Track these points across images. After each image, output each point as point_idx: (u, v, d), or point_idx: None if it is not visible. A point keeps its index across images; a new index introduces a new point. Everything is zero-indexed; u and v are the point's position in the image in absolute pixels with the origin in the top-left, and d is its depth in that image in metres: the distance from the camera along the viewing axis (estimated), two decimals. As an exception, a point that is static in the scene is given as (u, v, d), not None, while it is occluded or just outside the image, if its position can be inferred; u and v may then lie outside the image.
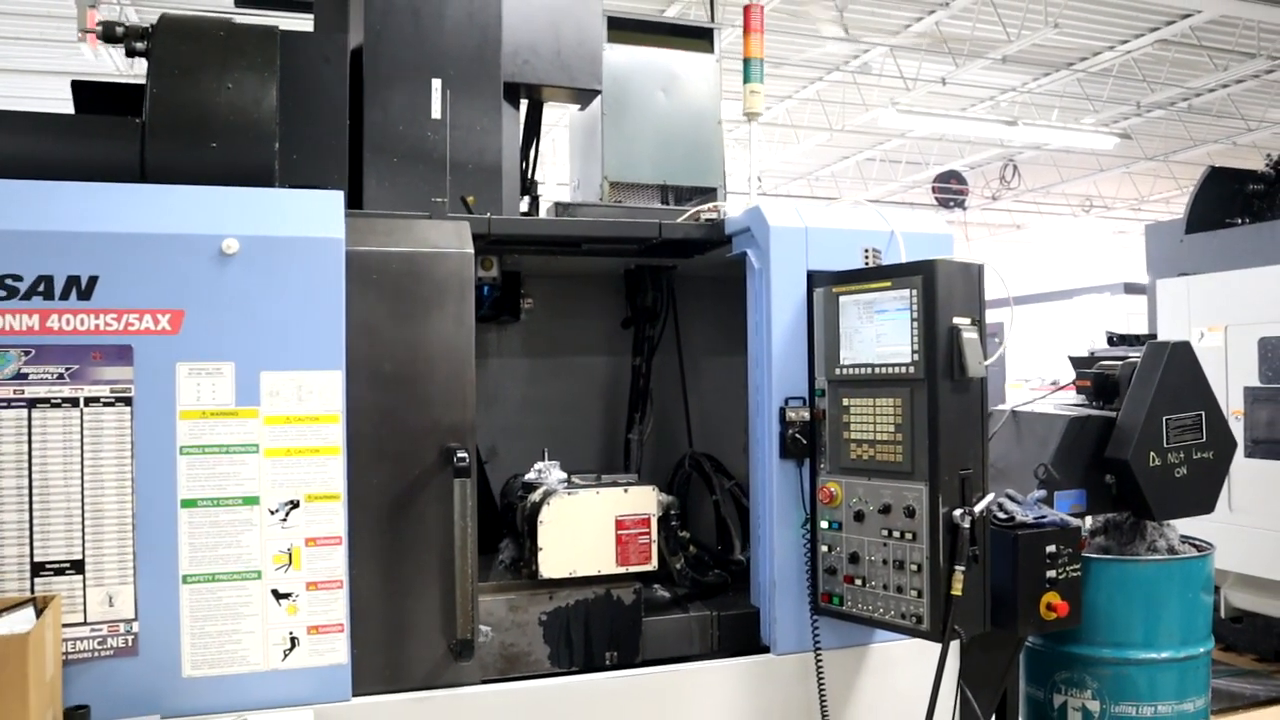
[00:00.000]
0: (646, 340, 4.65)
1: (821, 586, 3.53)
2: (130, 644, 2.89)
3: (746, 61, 4.19)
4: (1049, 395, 4.88)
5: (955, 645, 3.34)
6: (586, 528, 3.48)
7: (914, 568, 3.23)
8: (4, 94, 14.53)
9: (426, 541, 3.20)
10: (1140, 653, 4.20)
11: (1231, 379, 7.45)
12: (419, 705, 3.17)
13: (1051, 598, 3.54)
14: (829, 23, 12.60)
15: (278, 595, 3.02)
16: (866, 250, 3.62)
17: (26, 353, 2.80)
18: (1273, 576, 7.24)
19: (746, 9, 4.19)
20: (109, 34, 3.44)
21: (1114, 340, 6.39)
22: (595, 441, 4.77)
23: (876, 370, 3.36)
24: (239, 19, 3.50)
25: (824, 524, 3.52)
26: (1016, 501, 3.80)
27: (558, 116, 10.28)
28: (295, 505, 3.04)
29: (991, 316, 3.52)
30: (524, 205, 4.28)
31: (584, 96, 4.35)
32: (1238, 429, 7.08)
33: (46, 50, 13.38)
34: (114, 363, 2.87)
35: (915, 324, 3.24)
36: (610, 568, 3.50)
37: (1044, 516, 3.73)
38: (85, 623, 2.85)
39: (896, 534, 3.28)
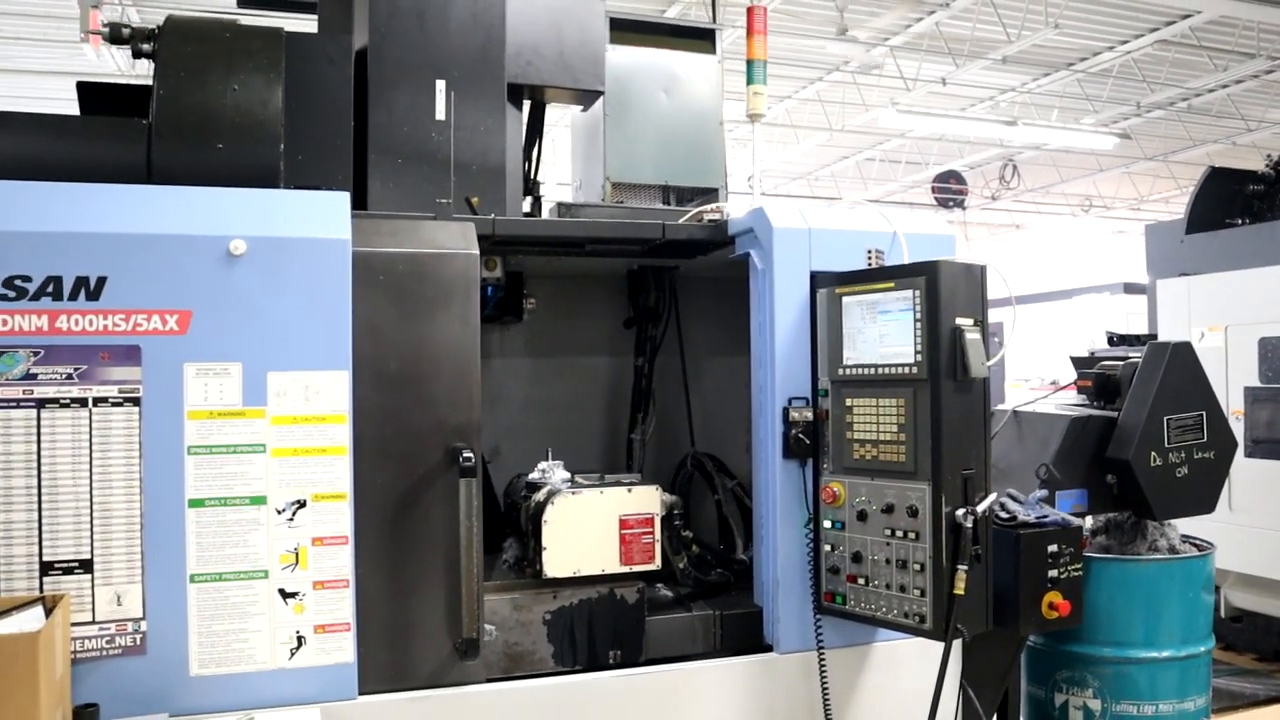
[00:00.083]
0: (649, 340, 4.66)
1: (825, 586, 3.54)
2: (138, 643, 2.90)
3: (750, 63, 4.21)
4: (1050, 395, 4.89)
5: (958, 644, 3.36)
6: (590, 527, 3.49)
7: (917, 567, 3.24)
8: (6, 94, 14.54)
9: (432, 541, 3.22)
10: (1141, 652, 4.22)
11: (1232, 379, 7.47)
12: (424, 704, 3.19)
13: (1053, 597, 3.56)
14: (832, 24, 12.59)
15: (284, 594, 3.03)
16: (869, 251, 3.64)
17: (35, 353, 2.82)
18: (1273, 576, 7.26)
19: (750, 10, 4.21)
20: (115, 35, 3.45)
21: (1114, 340, 6.42)
22: (598, 441, 4.78)
23: (880, 370, 3.38)
24: (244, 20, 3.51)
25: (827, 523, 3.53)
26: (1018, 501, 3.82)
27: (558, 116, 10.27)
28: (302, 505, 3.05)
29: (992, 316, 3.54)
30: (526, 205, 4.29)
31: (586, 97, 4.36)
32: (1238, 429, 7.10)
33: (48, 50, 13.39)
34: (122, 363, 2.88)
35: (918, 324, 3.25)
36: (614, 567, 3.52)
37: (1046, 516, 3.74)
38: (94, 621, 2.86)
39: (899, 533, 3.29)
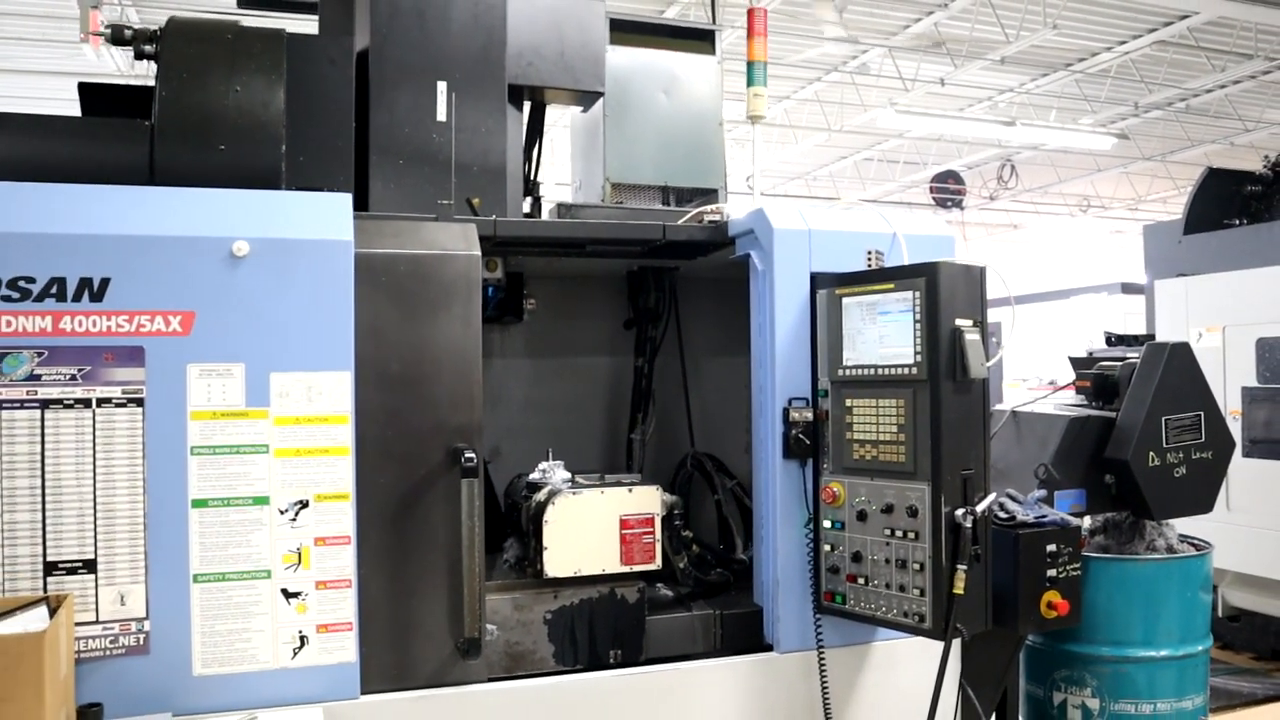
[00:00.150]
0: (649, 341, 4.68)
1: (824, 585, 3.56)
2: (141, 642, 2.91)
3: (750, 65, 4.22)
4: (1049, 395, 4.91)
5: (957, 643, 3.37)
6: (591, 527, 3.51)
7: (916, 567, 3.26)
8: (7, 94, 14.54)
9: (434, 541, 3.23)
10: (1139, 651, 4.23)
11: (1229, 379, 7.50)
12: (426, 703, 3.20)
13: (1052, 596, 3.57)
14: (831, 24, 12.59)
15: (287, 594, 3.04)
16: (869, 252, 3.65)
17: (39, 354, 2.83)
18: (1270, 575, 7.28)
19: (750, 12, 4.22)
20: (117, 37, 3.46)
21: (1112, 340, 6.43)
22: (598, 441, 4.79)
23: (879, 371, 3.39)
24: (245, 22, 3.52)
25: (827, 523, 3.55)
26: (1017, 501, 3.83)
27: (556, 116, 10.29)
28: (305, 505, 3.06)
29: (990, 316, 3.55)
30: (526, 206, 4.30)
31: (587, 98, 4.37)
32: (1235, 429, 7.12)
33: (49, 50, 13.38)
34: (126, 364, 2.89)
35: (918, 325, 3.26)
36: (614, 567, 3.53)
37: (1044, 516, 3.76)
38: (97, 621, 2.87)
39: (899, 533, 3.31)
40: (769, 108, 16.41)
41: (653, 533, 3.57)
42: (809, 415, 3.58)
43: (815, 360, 3.61)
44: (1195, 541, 4.59)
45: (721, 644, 3.68)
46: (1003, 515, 3.69)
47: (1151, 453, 4.26)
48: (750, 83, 4.23)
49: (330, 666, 3.08)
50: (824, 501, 3.55)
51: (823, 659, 3.56)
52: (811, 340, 3.61)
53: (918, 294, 3.27)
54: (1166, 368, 4.34)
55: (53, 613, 2.66)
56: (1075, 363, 5.04)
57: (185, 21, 3.42)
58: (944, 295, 3.23)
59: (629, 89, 4.50)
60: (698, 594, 3.88)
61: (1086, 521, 4.57)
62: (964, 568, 3.17)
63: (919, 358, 3.27)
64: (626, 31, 4.55)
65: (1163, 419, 4.30)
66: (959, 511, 3.20)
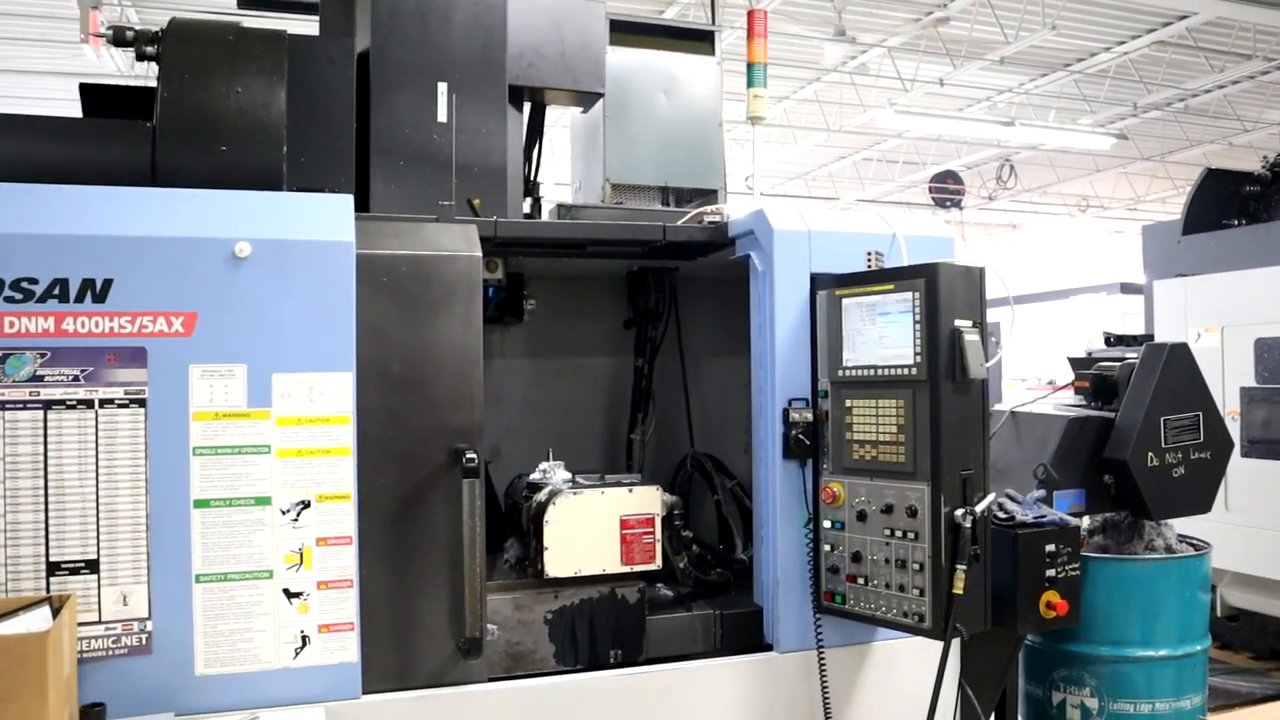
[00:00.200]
0: (649, 341, 4.69)
1: (824, 585, 3.57)
2: (144, 642, 2.92)
3: (750, 66, 4.22)
4: (1048, 395, 4.92)
5: (956, 643, 3.39)
6: (592, 527, 3.52)
7: (916, 567, 3.27)
8: (7, 94, 14.54)
9: (435, 541, 3.24)
10: (1138, 650, 4.25)
11: (1228, 379, 7.51)
12: (427, 703, 3.21)
13: (1051, 596, 3.58)
14: (829, 25, 12.61)
15: (289, 594, 3.05)
16: (869, 253, 3.66)
17: (42, 355, 2.84)
18: (1269, 575, 7.29)
19: (750, 14, 4.23)
20: (119, 38, 3.47)
21: (1111, 341, 6.44)
22: (598, 442, 4.80)
23: (879, 372, 3.40)
24: (246, 23, 3.52)
25: (827, 523, 3.56)
26: (1016, 501, 3.84)
27: (555, 116, 10.30)
28: (306, 505, 3.07)
29: (990, 316, 3.56)
30: (526, 206, 4.31)
31: (587, 99, 4.38)
32: (1234, 429, 7.13)
33: (49, 51, 13.39)
34: (128, 365, 2.90)
35: (918, 326, 3.27)
36: (615, 567, 3.54)
37: (1043, 516, 3.77)
38: (100, 621, 2.88)
39: (899, 533, 3.32)
40: (768, 108, 16.51)
41: (653, 533, 3.58)
42: (809, 416, 3.59)
43: (815, 361, 3.62)
44: (1194, 541, 4.60)
45: (721, 644, 3.69)
46: (1002, 515, 3.70)
47: (1150, 453, 4.28)
48: (750, 84, 4.24)
49: (332, 666, 3.09)
50: (824, 502, 3.56)
51: (823, 659, 3.57)
52: (811, 341, 3.62)
53: (917, 295, 3.28)
54: (1165, 368, 4.35)
55: (56, 613, 2.67)
56: (1074, 363, 5.06)
57: (187, 23, 3.43)
58: (943, 296, 3.24)
59: (629, 90, 4.51)
60: (698, 594, 3.89)
61: (1085, 521, 4.58)
62: (963, 568, 3.18)
63: (918, 358, 3.28)
64: (626, 32, 4.56)
65: (1161, 419, 4.31)
66: (958, 512, 3.21)
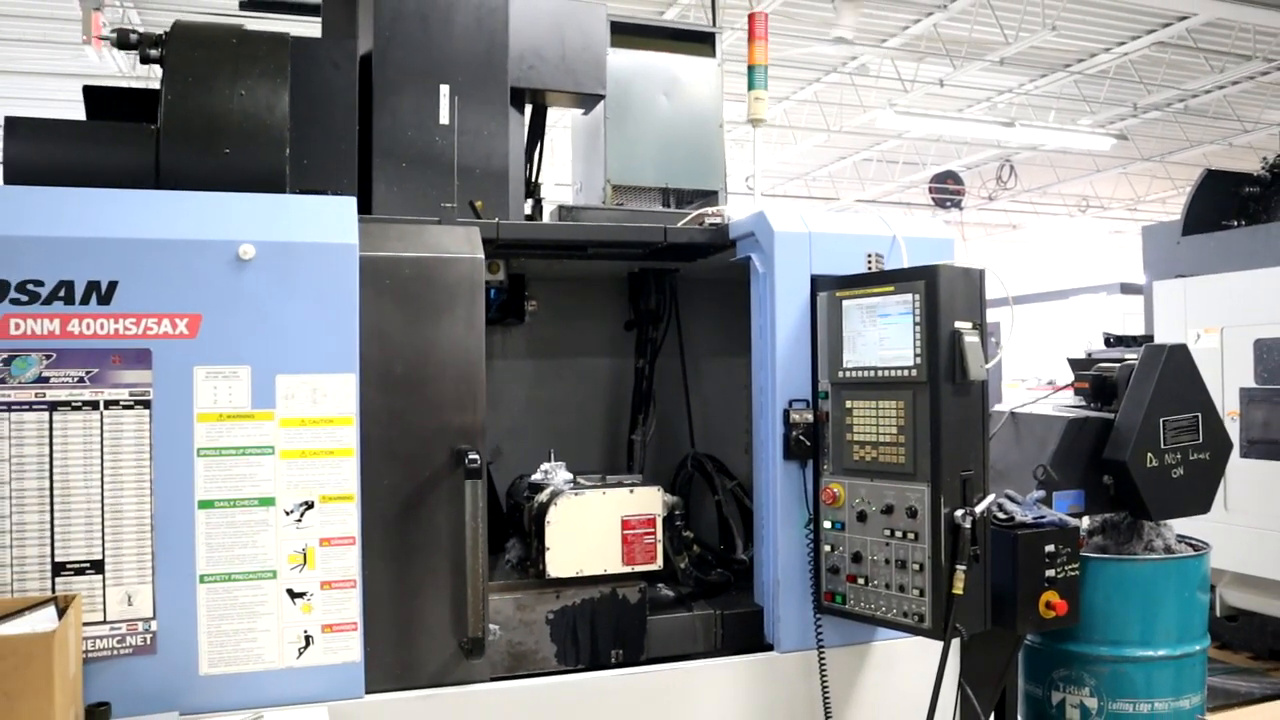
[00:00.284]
0: (649, 342, 4.70)
1: (825, 585, 3.58)
2: (149, 642, 2.94)
3: (751, 69, 4.24)
4: (1048, 396, 4.93)
5: (956, 643, 3.40)
6: (593, 528, 3.53)
7: (916, 567, 3.28)
8: (9, 95, 14.55)
9: (437, 541, 3.26)
10: (1137, 650, 4.26)
11: (1227, 380, 7.52)
12: (430, 703, 3.22)
13: (1050, 596, 3.60)
14: (836, 26, 12.60)
15: (293, 594, 3.07)
16: (869, 255, 3.68)
17: (48, 356, 2.85)
18: (1268, 575, 7.30)
19: (751, 16, 4.24)
20: (123, 41, 3.48)
21: (1111, 341, 6.46)
22: (598, 442, 4.82)
23: (879, 373, 3.41)
24: (249, 25, 3.54)
25: (827, 524, 3.57)
26: (1016, 502, 3.86)
27: (555, 118, 10.33)
28: (310, 506, 3.09)
29: (990, 316, 3.58)
30: (528, 208, 4.33)
31: (588, 101, 4.40)
32: (1233, 430, 7.15)
33: (51, 52, 13.39)
34: (133, 366, 2.92)
35: (918, 328, 3.29)
36: (616, 567, 3.55)
37: (1043, 517, 3.78)
38: (105, 621, 2.90)
39: (899, 534, 3.33)
40: (768, 108, 16.52)
41: (654, 533, 3.60)
42: (809, 417, 3.61)
43: (815, 362, 3.64)
44: (1193, 542, 4.61)
45: (722, 644, 3.71)
46: (1001, 516, 3.72)
47: (1149, 454, 4.29)
48: (751, 86, 4.25)
49: (335, 666, 3.11)
50: (824, 502, 3.57)
51: (823, 659, 3.59)
52: (812, 342, 3.64)
53: (917, 296, 3.29)
54: (1164, 369, 4.36)
55: (61, 613, 2.69)
56: (1074, 364, 5.07)
57: (190, 26, 3.45)
58: (943, 298, 3.25)
59: (630, 91, 4.52)
60: (698, 594, 3.91)
61: (1085, 522, 4.59)
62: (963, 568, 3.19)
63: (918, 360, 3.29)
64: (627, 34, 4.57)
65: (1160, 420, 4.33)
66: (958, 512, 3.22)
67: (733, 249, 3.88)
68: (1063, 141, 17.69)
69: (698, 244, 3.97)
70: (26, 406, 2.84)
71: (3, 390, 2.83)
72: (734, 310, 4.05)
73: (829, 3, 12.62)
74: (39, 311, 2.84)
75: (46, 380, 2.85)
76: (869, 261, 3.67)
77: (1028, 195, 23.61)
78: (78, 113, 3.71)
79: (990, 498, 3.32)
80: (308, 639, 3.08)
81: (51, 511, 2.87)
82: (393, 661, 3.21)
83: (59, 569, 2.88)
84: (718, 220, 4.02)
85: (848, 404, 3.52)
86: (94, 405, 2.89)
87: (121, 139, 3.29)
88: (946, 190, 21.51)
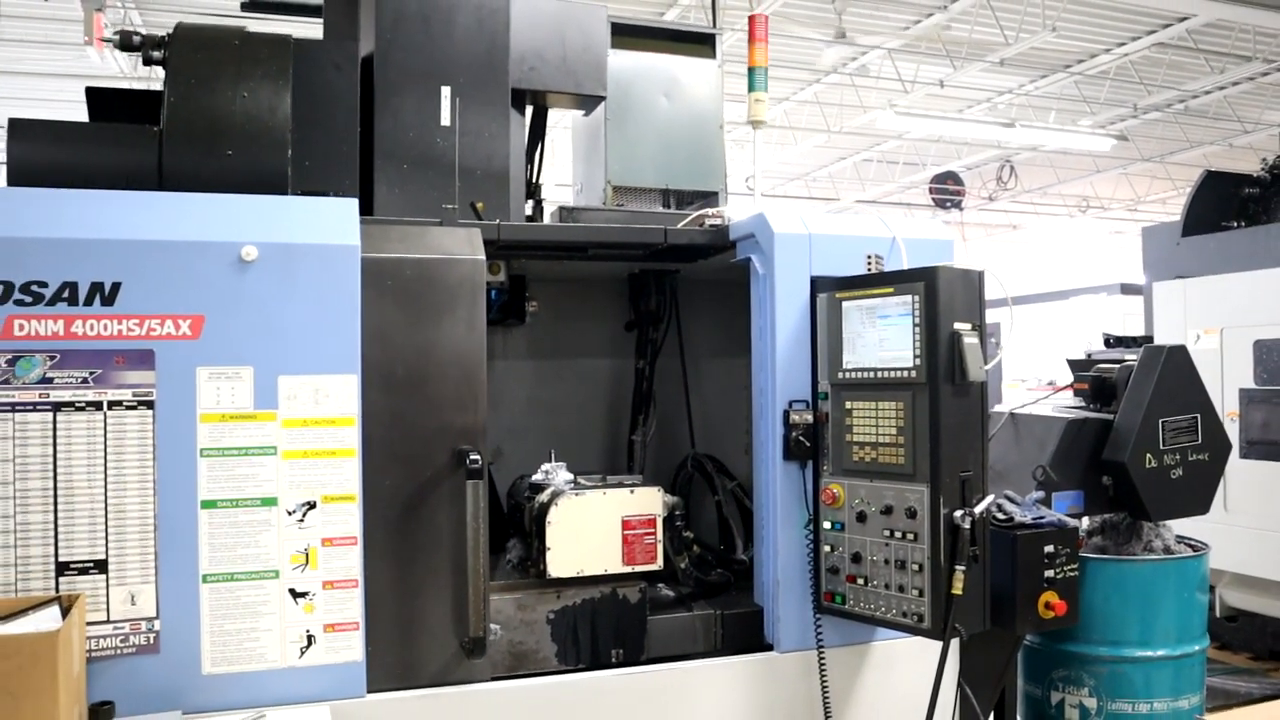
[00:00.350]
0: (650, 343, 4.71)
1: (824, 586, 3.59)
2: (152, 642, 2.95)
3: (751, 71, 4.25)
4: (1048, 397, 4.95)
5: (955, 643, 3.41)
6: (593, 528, 3.54)
7: (915, 567, 3.30)
8: (11, 96, 14.57)
9: (439, 541, 3.27)
10: (1136, 651, 4.27)
11: (1227, 381, 7.53)
12: (431, 702, 3.24)
13: (1049, 597, 3.61)
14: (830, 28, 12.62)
15: (295, 594, 3.08)
16: (869, 256, 3.69)
17: (51, 357, 2.87)
18: (1268, 576, 7.31)
19: (751, 19, 4.26)
20: (126, 43, 3.50)
21: (1110, 342, 6.47)
22: (599, 443, 4.83)
23: (879, 374, 3.43)
24: (251, 27, 3.55)
25: (827, 524, 3.59)
26: (1015, 503, 3.87)
27: (555, 119, 10.34)
28: (312, 506, 3.10)
29: (990, 317, 3.59)
30: (528, 209, 4.34)
31: (589, 102, 4.41)
32: (1233, 430, 7.16)
33: (53, 53, 13.41)
34: (136, 367, 2.93)
35: (917, 329, 3.30)
36: (616, 567, 3.57)
37: (1042, 517, 3.79)
38: (108, 621, 2.91)
39: (898, 534, 3.35)
40: (769, 109, 16.51)
41: (654, 533, 3.61)
42: (809, 417, 3.62)
43: (815, 363, 3.65)
44: (1192, 542, 4.62)
45: (722, 644, 3.72)
46: (1001, 516, 3.73)
47: (1149, 454, 4.30)
48: (751, 88, 4.26)
49: (337, 665, 3.12)
50: (824, 503, 3.59)
51: (822, 659, 3.60)
52: (811, 343, 3.65)
53: (917, 298, 3.31)
54: (1163, 370, 4.37)
55: (65, 612, 2.70)
56: (1073, 365, 5.08)
57: (193, 28, 3.46)
58: (943, 299, 3.27)
59: (630, 92, 4.53)
60: (698, 594, 3.92)
61: (1084, 523, 4.60)
62: (962, 568, 3.21)
63: (918, 361, 3.30)
64: (627, 35, 4.57)
65: (1160, 421, 4.34)
66: (957, 513, 3.24)
67: (733, 250, 3.89)
68: (1063, 142, 17.70)
69: (698, 245, 3.98)
70: (31, 407, 2.86)
71: (7, 391, 2.84)
72: (734, 311, 4.06)
73: (829, 3, 12.63)
74: (43, 312, 2.86)
75: (50, 381, 2.87)
76: (869, 263, 3.68)
77: (1028, 196, 23.61)
78: (80, 113, 3.72)
79: (989, 498, 3.34)
80: (310, 638, 3.09)
81: (55, 512, 2.88)
82: (394, 661, 3.22)
83: (63, 569, 2.89)
84: (718, 221, 4.04)
85: (847, 405, 3.53)
86: (97, 406, 2.91)
87: (124, 141, 3.30)
88: (947, 191, 21.51)
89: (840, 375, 3.56)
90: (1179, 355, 4.46)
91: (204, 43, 3.41)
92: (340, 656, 3.13)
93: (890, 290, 3.40)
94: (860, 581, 3.46)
